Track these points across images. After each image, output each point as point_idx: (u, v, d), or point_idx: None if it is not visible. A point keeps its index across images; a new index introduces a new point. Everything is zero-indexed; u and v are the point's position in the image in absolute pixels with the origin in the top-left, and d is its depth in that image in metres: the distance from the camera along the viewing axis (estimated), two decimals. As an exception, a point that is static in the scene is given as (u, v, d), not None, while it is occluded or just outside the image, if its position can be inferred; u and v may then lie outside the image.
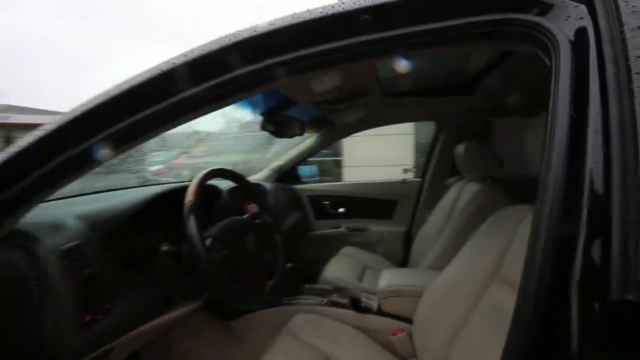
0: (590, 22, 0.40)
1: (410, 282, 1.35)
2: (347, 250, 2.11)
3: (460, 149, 1.64)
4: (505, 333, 0.37)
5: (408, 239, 2.25)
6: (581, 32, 0.41)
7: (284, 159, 2.33)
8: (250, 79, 0.53)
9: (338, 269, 1.84)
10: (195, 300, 1.06)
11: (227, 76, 0.52)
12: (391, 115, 1.96)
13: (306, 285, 1.56)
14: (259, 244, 1.08)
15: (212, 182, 1.37)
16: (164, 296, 0.94)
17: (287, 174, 2.41)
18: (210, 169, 1.01)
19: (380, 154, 6.26)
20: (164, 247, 0.92)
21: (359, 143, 6.38)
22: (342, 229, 2.33)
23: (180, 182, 1.31)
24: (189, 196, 0.89)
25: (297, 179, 2.50)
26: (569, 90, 0.38)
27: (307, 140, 2.27)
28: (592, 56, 0.38)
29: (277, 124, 1.39)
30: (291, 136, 1.54)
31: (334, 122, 2.08)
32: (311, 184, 2.50)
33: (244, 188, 1.20)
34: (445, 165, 2.11)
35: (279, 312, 1.39)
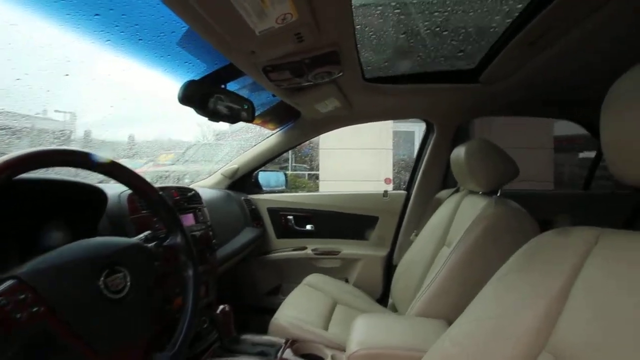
0: None
1: (395, 340, 0.90)
2: (312, 278, 1.65)
3: (459, 152, 1.25)
4: None
5: (389, 266, 1.82)
6: None
7: (238, 162, 1.87)
8: None
9: (298, 306, 1.38)
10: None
11: None
12: (373, 108, 1.56)
13: (245, 337, 1.08)
14: (139, 286, 0.61)
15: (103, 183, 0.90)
16: None
17: (243, 181, 1.95)
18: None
19: (358, 168, 5.98)
20: None
21: (336, 156, 6.14)
22: (308, 251, 1.87)
23: None
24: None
25: (257, 188, 2.04)
26: None
27: (268, 139, 1.83)
28: None
29: (205, 98, 0.93)
30: (233, 120, 1.09)
31: (298, 116, 1.66)
32: (273, 194, 2.03)
33: (136, 190, 0.72)
34: (436, 175, 1.72)
35: None
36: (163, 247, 0.74)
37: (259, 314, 1.80)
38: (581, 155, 5.31)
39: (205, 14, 0.60)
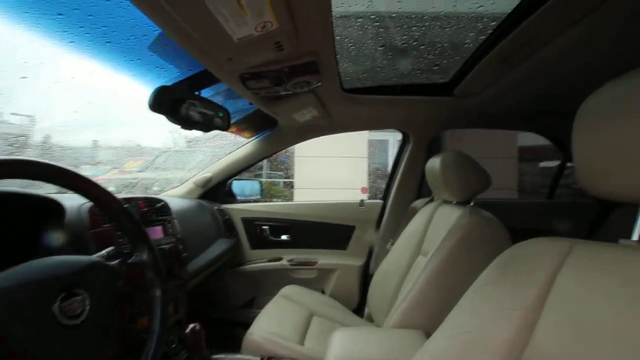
0: None
1: (373, 354, 0.89)
2: (288, 290, 1.61)
3: (435, 163, 1.28)
4: None
5: (366, 275, 1.81)
6: None
7: (211, 170, 1.81)
8: None
9: (273, 319, 1.34)
10: None
11: None
12: (351, 119, 1.56)
13: (217, 356, 1.02)
14: (100, 309, 0.56)
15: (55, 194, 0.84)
16: None
17: (216, 190, 1.88)
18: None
19: (333, 177, 6.01)
20: None
21: (311, 164, 6.15)
22: (283, 262, 1.83)
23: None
24: None
25: (231, 197, 1.98)
26: None
27: (244, 147, 1.79)
28: None
29: (178, 105, 0.89)
30: (208, 129, 1.05)
31: (275, 124, 1.63)
32: (247, 203, 1.98)
33: (97, 202, 0.67)
34: (412, 185, 1.75)
35: None
36: (127, 265, 0.69)
37: (233, 327, 1.73)
38: (542, 164, 5.66)
39: (181, 19, 0.57)
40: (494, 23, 0.87)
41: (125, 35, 0.72)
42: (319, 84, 1.01)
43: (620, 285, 0.45)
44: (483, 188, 1.19)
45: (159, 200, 1.18)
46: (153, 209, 1.11)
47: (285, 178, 6.92)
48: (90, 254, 0.69)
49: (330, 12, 0.70)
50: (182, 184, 1.85)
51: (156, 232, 1.08)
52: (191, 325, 0.95)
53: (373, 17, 0.87)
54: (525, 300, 0.56)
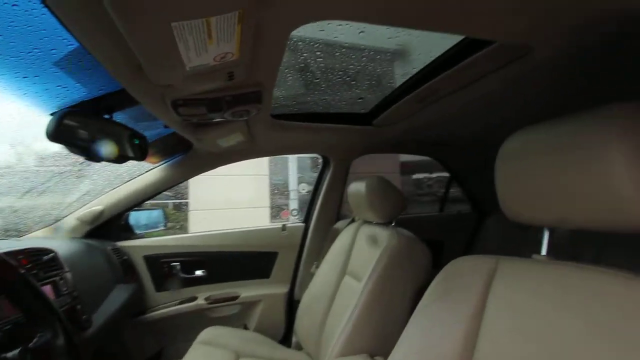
0: None
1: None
2: (207, 334, 1.43)
3: (359, 187, 1.36)
4: None
5: (291, 302, 1.76)
6: None
7: (103, 203, 1.49)
8: None
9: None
10: None
11: None
12: (275, 144, 1.53)
13: None
14: None
15: None
16: None
17: (108, 225, 1.55)
18: None
19: (233, 195, 5.75)
20: None
21: (208, 183, 5.74)
22: (199, 302, 1.63)
23: None
24: None
25: (128, 232, 1.66)
26: None
27: (149, 173, 1.54)
28: None
29: (83, 133, 0.70)
30: (120, 160, 0.86)
31: (190, 148, 1.47)
32: (149, 238, 1.69)
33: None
34: (333, 207, 1.80)
35: None
36: (31, 353, 0.50)
37: None
38: (414, 176, 6.81)
39: (129, 39, 0.46)
40: (414, 69, 0.99)
41: (27, 47, 0.52)
42: (257, 112, 0.96)
43: (533, 297, 0.56)
44: (402, 209, 1.32)
45: (47, 251, 0.90)
46: (39, 264, 0.83)
47: (175, 199, 6.25)
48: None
49: (285, 44, 0.68)
50: (57, 221, 1.46)
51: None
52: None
53: (318, 53, 0.88)
54: (466, 314, 0.63)
